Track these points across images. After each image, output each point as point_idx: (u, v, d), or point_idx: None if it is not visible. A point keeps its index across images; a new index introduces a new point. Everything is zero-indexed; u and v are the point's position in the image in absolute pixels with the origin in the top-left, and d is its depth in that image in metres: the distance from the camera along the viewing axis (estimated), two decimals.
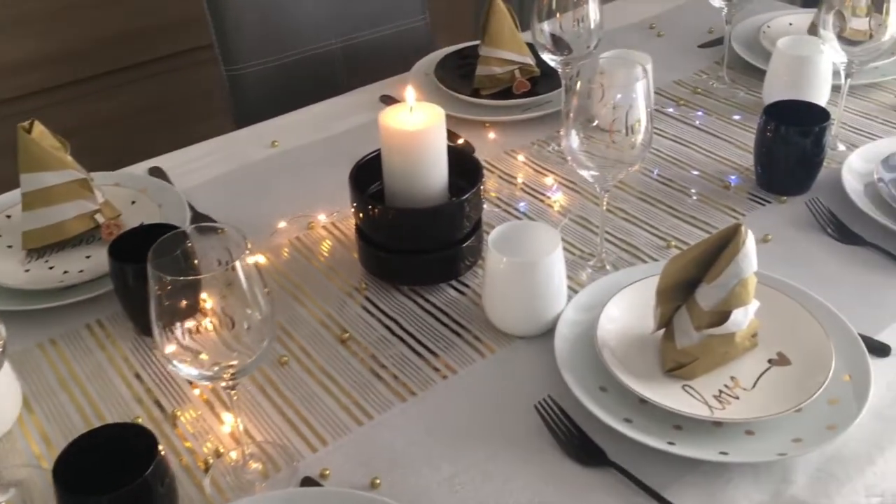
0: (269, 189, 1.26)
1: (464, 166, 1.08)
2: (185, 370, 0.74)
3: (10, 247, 1.13)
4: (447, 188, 1.06)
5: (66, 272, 1.09)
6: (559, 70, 1.26)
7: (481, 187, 1.05)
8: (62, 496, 0.72)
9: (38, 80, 1.99)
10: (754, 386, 0.88)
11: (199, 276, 0.74)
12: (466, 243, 1.05)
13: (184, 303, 0.73)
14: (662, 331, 0.92)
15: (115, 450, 0.76)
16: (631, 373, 0.88)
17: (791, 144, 1.16)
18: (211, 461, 0.85)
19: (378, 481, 0.82)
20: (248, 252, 0.74)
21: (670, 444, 0.82)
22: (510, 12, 1.44)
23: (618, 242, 1.12)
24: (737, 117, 1.38)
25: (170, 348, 0.73)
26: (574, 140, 0.97)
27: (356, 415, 0.90)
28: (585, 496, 0.80)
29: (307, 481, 0.82)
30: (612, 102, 0.94)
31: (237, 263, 0.73)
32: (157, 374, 0.95)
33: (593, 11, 1.21)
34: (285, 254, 1.13)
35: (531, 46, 1.38)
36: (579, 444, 0.84)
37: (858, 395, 0.86)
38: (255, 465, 0.84)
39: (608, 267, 1.07)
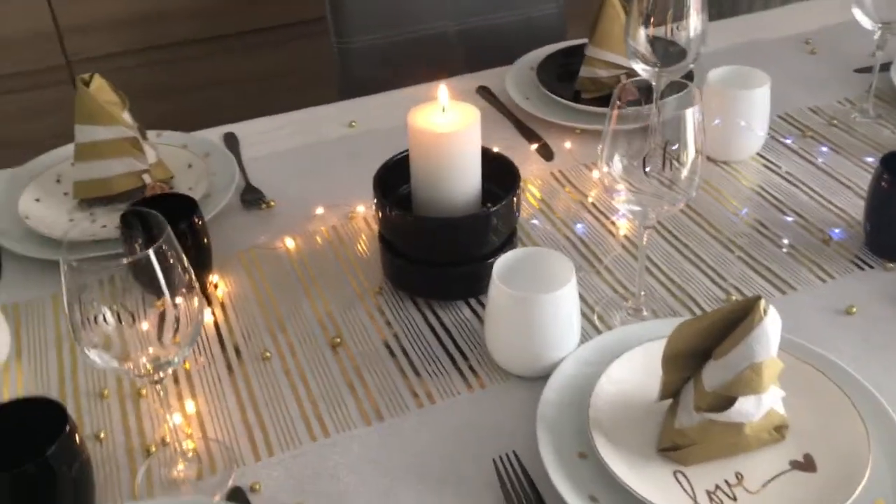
0: (331, 170, 1.21)
1: (503, 174, 0.97)
2: (97, 358, 0.70)
3: (66, 194, 1.15)
4: (479, 197, 0.96)
5: (104, 226, 1.09)
6: (652, 83, 1.11)
7: (515, 199, 0.95)
8: None
9: (148, 36, 2.03)
10: (762, 489, 0.73)
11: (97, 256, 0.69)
12: (492, 259, 0.95)
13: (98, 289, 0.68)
14: (670, 402, 0.78)
15: (35, 426, 0.73)
16: (618, 443, 0.76)
17: None
18: (154, 449, 0.82)
19: None
20: (162, 243, 0.68)
21: None
22: (625, 12, 1.30)
23: (670, 286, 0.98)
24: (869, 159, 1.17)
25: (84, 334, 0.69)
26: (616, 166, 0.84)
27: (314, 429, 0.83)
28: None
29: (234, 493, 0.77)
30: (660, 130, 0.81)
31: (151, 253, 0.67)
32: None
33: (695, 21, 1.06)
34: (317, 241, 1.08)
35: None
36: None
37: None
38: (187, 464, 0.80)
39: (646, 313, 0.94)
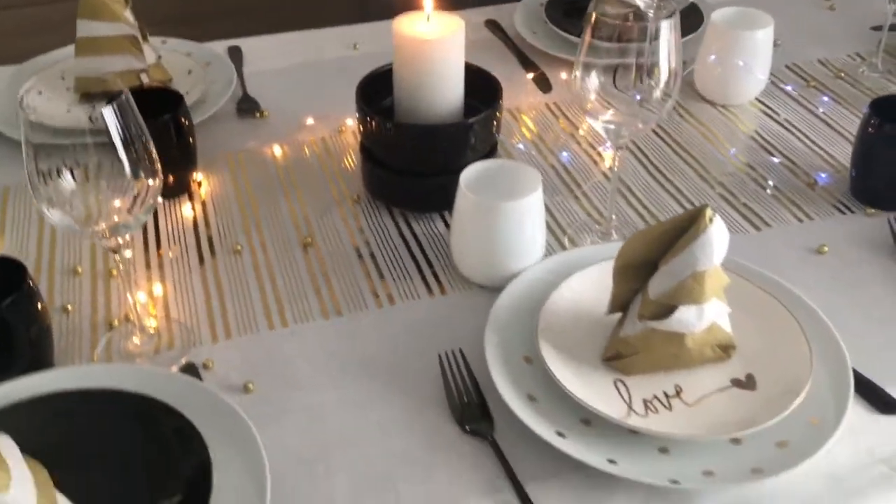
0: (327, 87, 1.21)
1: (484, 89, 0.98)
2: (56, 218, 0.72)
3: (68, 89, 1.17)
4: (461, 109, 0.97)
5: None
6: (649, 13, 1.10)
7: (495, 115, 0.95)
8: None
9: None
10: (698, 402, 0.74)
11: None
12: None
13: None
14: (619, 316, 0.79)
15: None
16: (563, 350, 0.77)
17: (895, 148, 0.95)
18: (117, 324, 0.85)
19: (251, 386, 0.77)
20: (117, 105, 0.69)
21: (559, 434, 0.70)
22: None
23: (645, 214, 0.98)
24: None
25: (42, 189, 0.71)
26: (592, 80, 0.84)
27: (273, 319, 0.85)
28: (449, 462, 0.71)
29: (187, 368, 0.79)
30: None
31: (106, 111, 0.68)
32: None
33: None
34: (304, 150, 1.09)
35: None
36: (466, 409, 0.75)
37: (814, 444, 0.69)
38: (146, 339, 0.82)
39: (615, 237, 0.94)
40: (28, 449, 0.60)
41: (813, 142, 1.10)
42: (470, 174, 0.86)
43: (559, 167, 1.06)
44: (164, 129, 0.98)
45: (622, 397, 0.74)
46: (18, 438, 0.60)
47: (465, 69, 0.96)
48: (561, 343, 0.78)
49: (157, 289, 0.89)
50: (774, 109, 1.16)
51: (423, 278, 0.90)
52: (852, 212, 0.98)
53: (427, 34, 0.92)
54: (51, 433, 0.66)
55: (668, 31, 0.80)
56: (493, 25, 1.37)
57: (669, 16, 0.81)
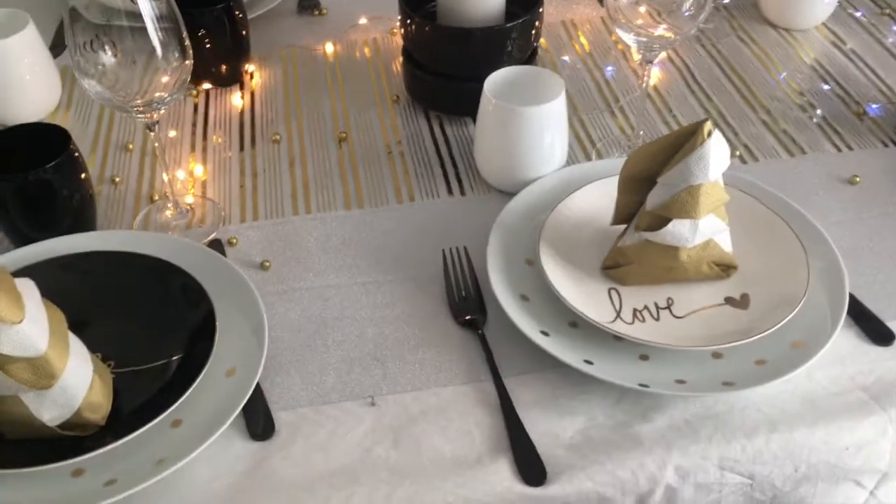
0: None
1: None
2: (93, 88, 0.77)
3: None
4: (502, 14, 0.98)
5: None
6: None
7: (534, 21, 0.96)
8: None
9: None
10: (687, 315, 0.75)
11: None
12: None
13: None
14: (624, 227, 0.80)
15: (39, 149, 0.82)
16: (563, 256, 0.79)
17: None
18: (157, 198, 0.91)
19: (267, 264, 0.83)
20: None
21: (543, 333, 0.73)
22: None
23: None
24: None
25: (82, 60, 0.76)
26: None
27: (299, 205, 0.90)
28: (438, 348, 0.75)
29: (214, 243, 0.85)
30: None
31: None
32: (179, 110, 1.02)
33: None
34: (354, 50, 1.12)
35: None
36: (462, 302, 0.78)
37: (793, 364, 0.70)
38: (180, 214, 0.88)
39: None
40: (48, 295, 0.67)
41: (873, 71, 1.06)
42: (496, 78, 0.88)
43: (602, 81, 1.06)
44: (218, 20, 1.02)
45: (613, 305, 0.76)
46: (42, 285, 0.67)
47: None
48: (563, 249, 0.80)
49: (199, 170, 0.95)
50: (840, 36, 1.12)
51: (446, 179, 0.93)
52: None
53: None
54: (72, 285, 0.74)
55: None
56: None
57: None
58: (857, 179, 0.90)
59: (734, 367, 0.71)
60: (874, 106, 1.00)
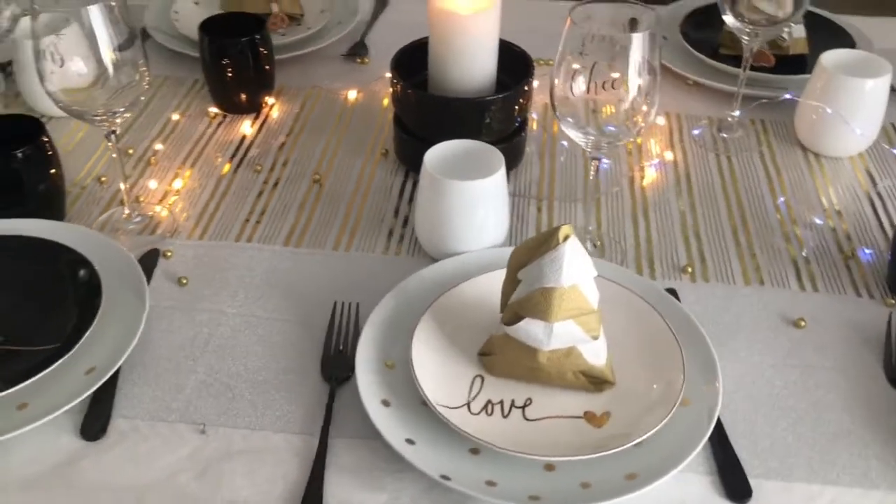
0: None
1: (517, 65, 0.99)
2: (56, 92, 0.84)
3: (196, 3, 1.33)
4: (492, 84, 0.98)
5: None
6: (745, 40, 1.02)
7: (518, 93, 0.96)
8: None
9: None
10: (538, 421, 0.72)
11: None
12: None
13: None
14: None
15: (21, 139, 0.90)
16: (447, 334, 0.78)
17: None
18: (124, 200, 0.97)
19: (185, 281, 0.87)
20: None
21: (384, 403, 0.72)
22: None
23: (640, 238, 0.94)
24: None
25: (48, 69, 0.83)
26: (579, 86, 0.81)
27: (245, 234, 0.93)
28: (289, 392, 0.76)
29: (150, 252, 0.90)
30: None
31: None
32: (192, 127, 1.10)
33: None
34: (372, 101, 1.15)
35: None
36: (334, 356, 0.78)
37: (615, 493, 0.65)
38: (139, 220, 0.94)
39: (589, 247, 0.91)
40: None
41: (888, 214, 0.97)
42: (442, 149, 0.88)
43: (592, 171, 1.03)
44: (241, 52, 1.09)
45: (469, 391, 0.74)
46: None
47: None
48: (450, 327, 0.78)
49: (178, 183, 1.01)
50: (871, 171, 1.04)
51: (390, 236, 0.94)
52: (871, 297, 0.87)
53: (462, 7, 0.94)
54: None
55: (640, 42, 0.76)
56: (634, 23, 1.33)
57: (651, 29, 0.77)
58: (803, 324, 0.83)
59: (554, 484, 0.67)
60: (867, 251, 0.92)
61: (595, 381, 0.74)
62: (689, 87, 1.19)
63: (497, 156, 0.87)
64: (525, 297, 0.70)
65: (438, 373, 0.75)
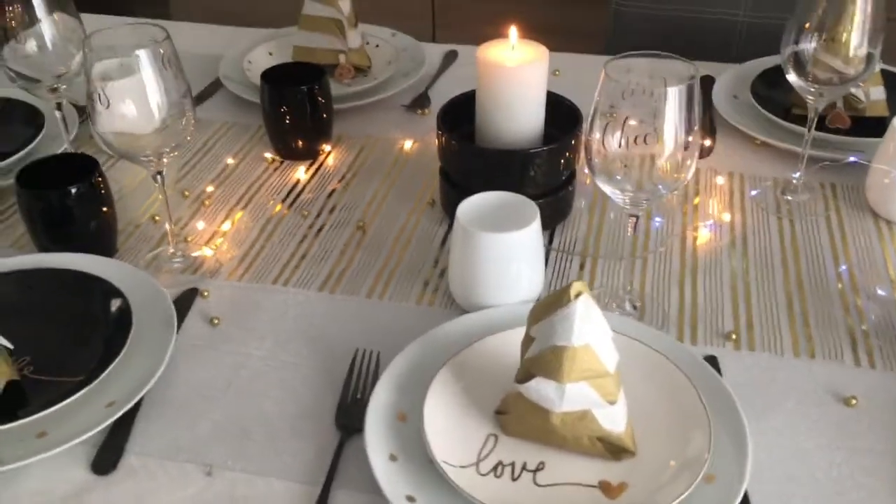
0: None
1: (567, 119, 0.97)
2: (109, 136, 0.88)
3: (271, 54, 1.36)
4: (540, 137, 0.97)
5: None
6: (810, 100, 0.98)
7: (565, 147, 0.94)
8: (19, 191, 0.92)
9: None
10: (549, 487, 0.68)
11: None
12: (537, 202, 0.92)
13: None
14: None
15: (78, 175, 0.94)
16: (464, 388, 0.75)
17: None
18: (169, 239, 0.99)
19: (216, 321, 0.87)
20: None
21: (392, 458, 0.70)
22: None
23: (685, 302, 0.89)
24: None
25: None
26: (614, 142, 0.78)
27: (283, 277, 0.94)
28: (302, 440, 0.75)
29: (189, 291, 0.92)
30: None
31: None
32: (249, 171, 1.12)
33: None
34: (425, 151, 1.15)
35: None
36: (350, 405, 0.77)
37: None
38: (182, 261, 0.96)
39: (628, 307, 0.87)
40: None
41: None
42: (478, 200, 0.87)
43: (642, 231, 1.00)
44: (300, 101, 1.11)
45: (480, 450, 0.71)
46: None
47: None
48: (468, 382, 0.76)
49: (226, 225, 1.03)
50: None
51: (425, 286, 0.92)
52: None
53: (511, 60, 0.93)
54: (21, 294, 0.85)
55: (674, 97, 0.73)
56: (706, 80, 1.30)
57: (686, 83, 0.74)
58: (854, 402, 0.77)
59: None
60: None
61: (613, 449, 0.70)
62: (758, 147, 1.15)
63: (532, 208, 0.85)
64: (537, 355, 0.67)
65: (450, 428, 0.72)
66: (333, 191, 1.09)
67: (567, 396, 0.67)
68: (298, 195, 1.08)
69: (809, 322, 0.86)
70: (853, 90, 1.12)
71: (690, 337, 0.85)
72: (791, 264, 0.94)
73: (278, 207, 1.05)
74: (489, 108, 0.96)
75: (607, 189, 0.80)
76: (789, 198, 1.04)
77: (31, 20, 1.00)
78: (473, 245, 0.83)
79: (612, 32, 1.60)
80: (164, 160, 0.89)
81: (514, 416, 0.71)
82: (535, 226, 0.84)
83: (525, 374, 0.69)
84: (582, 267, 0.95)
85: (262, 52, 1.36)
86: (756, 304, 0.89)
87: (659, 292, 0.91)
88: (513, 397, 0.71)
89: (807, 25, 0.94)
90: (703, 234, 0.99)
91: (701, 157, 1.13)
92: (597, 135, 0.77)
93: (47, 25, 1.00)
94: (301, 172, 1.12)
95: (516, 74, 0.93)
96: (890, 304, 0.88)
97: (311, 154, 1.15)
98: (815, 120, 0.99)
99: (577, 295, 0.65)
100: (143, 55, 0.82)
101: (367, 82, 1.29)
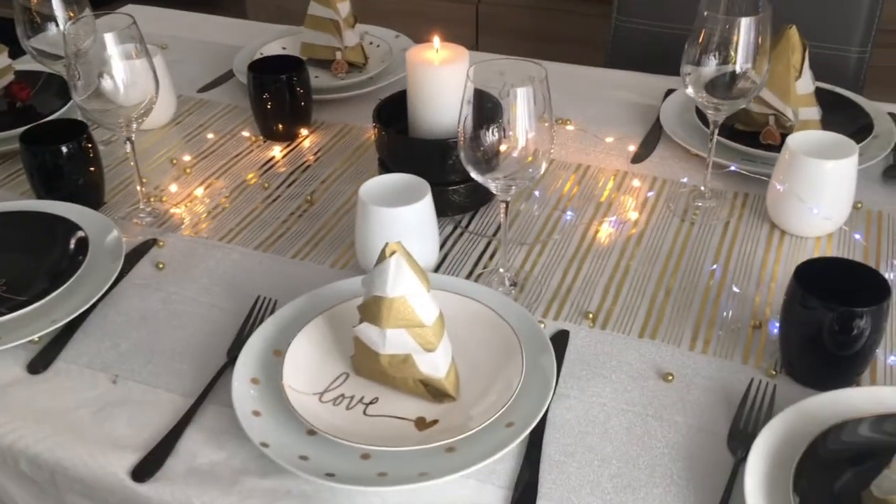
0: None
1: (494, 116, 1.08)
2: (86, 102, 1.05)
3: (283, 48, 1.53)
4: None
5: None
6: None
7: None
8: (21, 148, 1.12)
9: None
10: (372, 417, 0.81)
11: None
12: (453, 187, 1.08)
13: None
14: None
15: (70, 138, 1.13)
16: (335, 335, 0.89)
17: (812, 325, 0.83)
18: (151, 200, 1.17)
19: (161, 266, 1.04)
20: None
21: (253, 381, 0.84)
22: (803, 47, 1.18)
23: (564, 285, 1.00)
24: None
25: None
26: (482, 137, 0.90)
27: (230, 236, 1.10)
28: (194, 368, 0.90)
29: (148, 240, 1.09)
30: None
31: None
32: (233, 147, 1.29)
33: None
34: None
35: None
36: (241, 340, 0.92)
37: (409, 480, 0.73)
38: (153, 218, 1.13)
39: (507, 284, 0.98)
40: None
41: None
42: (383, 180, 1.00)
43: (553, 223, 1.10)
44: (278, 89, 1.27)
45: (330, 383, 0.85)
46: None
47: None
48: (344, 327, 0.89)
49: (199, 190, 1.19)
50: (833, 254, 1.03)
51: (343, 254, 1.06)
52: (758, 366, 0.87)
53: (436, 60, 1.06)
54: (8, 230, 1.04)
55: (524, 97, 0.84)
56: (671, 93, 1.38)
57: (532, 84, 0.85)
58: (671, 378, 0.86)
59: (379, 467, 0.76)
60: (778, 323, 0.92)
61: (435, 392, 0.82)
62: (691, 157, 1.23)
63: (425, 188, 0.98)
64: (364, 302, 0.80)
65: (309, 364, 0.86)
66: (299, 167, 1.24)
67: (388, 340, 0.79)
68: (268, 170, 1.24)
69: (665, 310, 0.96)
70: (781, 109, 1.19)
71: (555, 313, 0.96)
72: (673, 261, 1.03)
73: (249, 176, 1.22)
74: (417, 103, 1.09)
75: (480, 179, 0.92)
76: (699, 203, 1.13)
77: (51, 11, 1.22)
78: (370, 218, 0.97)
79: (612, 46, 1.69)
80: (133, 126, 1.06)
81: (357, 356, 0.84)
82: (424, 203, 0.96)
83: (359, 320, 0.82)
84: (486, 248, 1.07)
85: (276, 46, 1.53)
86: (625, 292, 0.99)
87: (544, 275, 1.02)
88: (356, 340, 0.84)
89: (701, 45, 1.03)
90: (605, 229, 1.09)
91: (634, 161, 1.23)
92: (465, 132, 0.90)
93: (61, 14, 1.21)
94: (277, 151, 1.28)
95: (439, 72, 1.06)
96: (746, 302, 0.96)
97: (289, 136, 1.31)
98: (716, 131, 1.08)
99: (392, 253, 0.77)
100: (108, 38, 1.00)
101: (357, 77, 1.44)
